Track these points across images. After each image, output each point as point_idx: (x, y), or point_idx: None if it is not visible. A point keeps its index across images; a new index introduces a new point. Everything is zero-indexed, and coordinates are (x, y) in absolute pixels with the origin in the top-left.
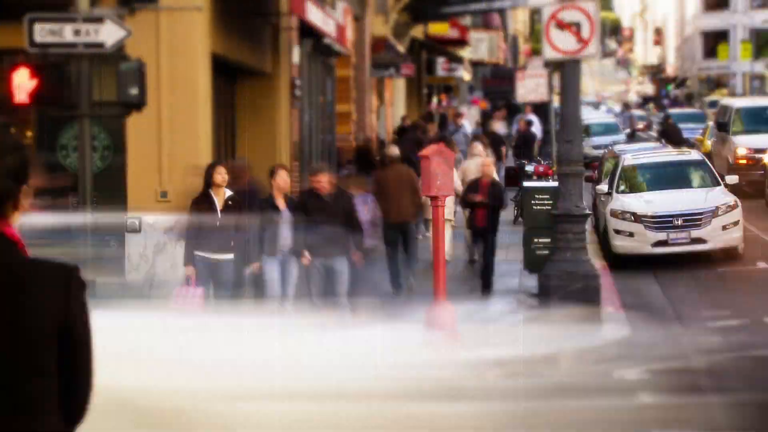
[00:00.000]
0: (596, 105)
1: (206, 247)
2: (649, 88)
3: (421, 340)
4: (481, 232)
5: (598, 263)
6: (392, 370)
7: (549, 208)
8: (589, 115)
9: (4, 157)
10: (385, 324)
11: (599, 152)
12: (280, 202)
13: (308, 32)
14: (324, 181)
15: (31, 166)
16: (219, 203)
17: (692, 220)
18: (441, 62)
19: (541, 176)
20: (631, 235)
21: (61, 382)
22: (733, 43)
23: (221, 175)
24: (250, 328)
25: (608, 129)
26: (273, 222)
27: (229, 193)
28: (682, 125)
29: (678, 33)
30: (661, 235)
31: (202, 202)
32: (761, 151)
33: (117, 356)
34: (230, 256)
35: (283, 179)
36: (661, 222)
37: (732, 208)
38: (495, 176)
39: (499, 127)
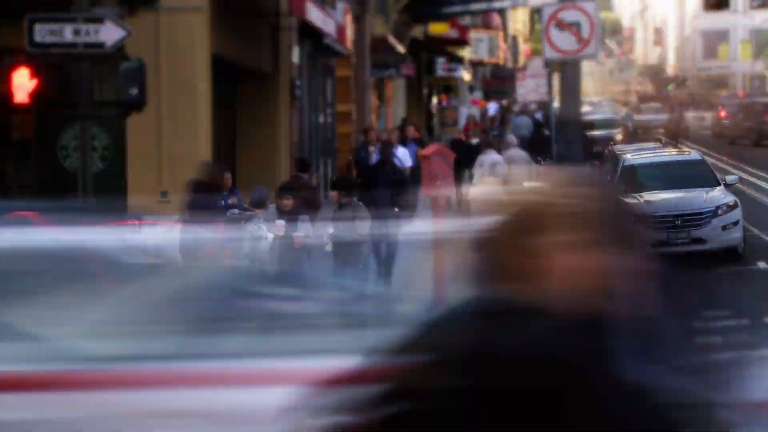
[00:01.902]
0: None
1: None
2: (649, 88)
3: None
4: None
5: None
6: None
7: None
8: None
9: None
10: None
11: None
12: None
13: (308, 32)
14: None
15: None
16: None
17: (692, 220)
18: (441, 62)
19: None
20: None
21: None
22: (733, 43)
23: None
24: None
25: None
26: None
27: None
28: None
29: (678, 33)
30: (661, 235)
31: None
32: None
33: None
34: None
35: None
36: (661, 222)
37: (732, 208)
38: None
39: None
